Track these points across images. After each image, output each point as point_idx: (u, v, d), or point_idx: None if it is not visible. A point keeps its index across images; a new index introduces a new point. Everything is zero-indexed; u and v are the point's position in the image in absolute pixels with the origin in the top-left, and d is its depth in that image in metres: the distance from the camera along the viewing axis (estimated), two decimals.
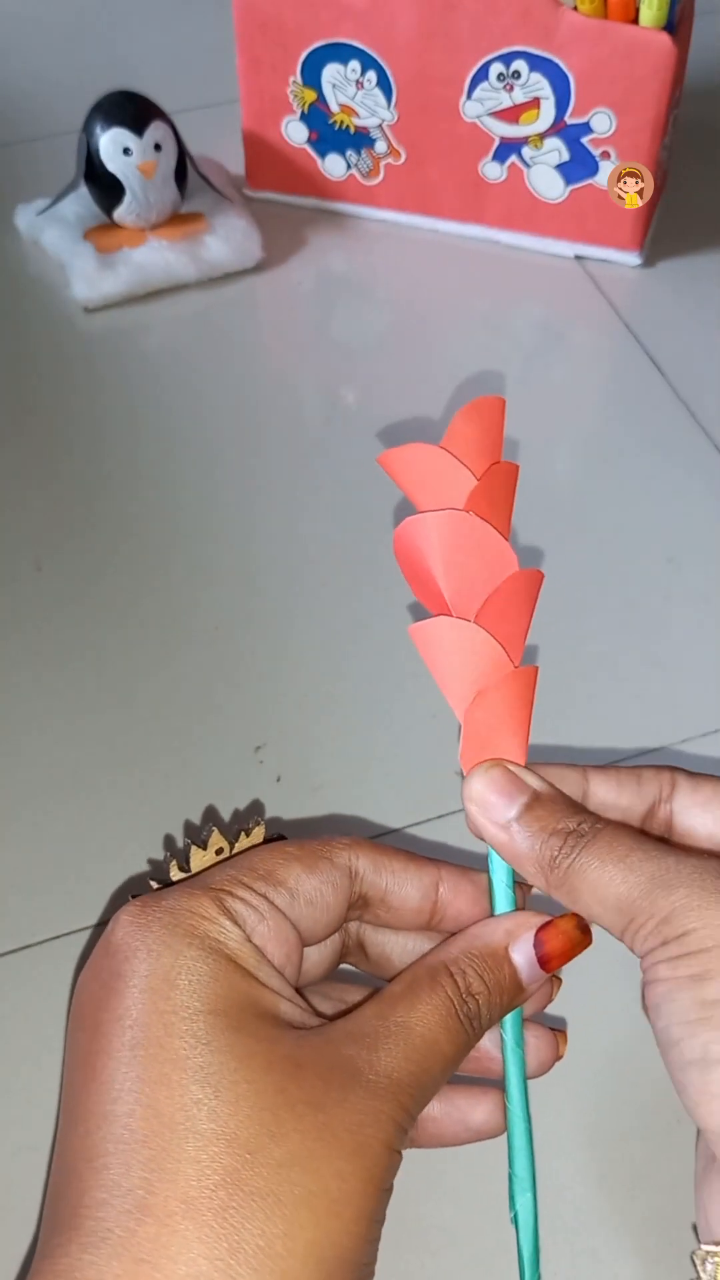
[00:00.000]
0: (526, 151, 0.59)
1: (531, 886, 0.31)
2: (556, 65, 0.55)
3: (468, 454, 0.30)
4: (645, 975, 0.28)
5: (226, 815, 0.42)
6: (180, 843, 0.41)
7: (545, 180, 0.60)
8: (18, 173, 0.67)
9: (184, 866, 0.30)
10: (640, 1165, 0.34)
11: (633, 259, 0.61)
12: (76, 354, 0.58)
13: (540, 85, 0.56)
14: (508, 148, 0.59)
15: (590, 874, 0.28)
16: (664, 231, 0.64)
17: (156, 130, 0.57)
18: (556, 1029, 0.32)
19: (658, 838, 0.30)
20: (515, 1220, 0.30)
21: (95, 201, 0.59)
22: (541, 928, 0.29)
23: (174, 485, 0.52)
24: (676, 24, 0.55)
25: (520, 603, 0.30)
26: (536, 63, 0.56)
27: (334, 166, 0.63)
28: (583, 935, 0.30)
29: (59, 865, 0.40)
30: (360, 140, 0.61)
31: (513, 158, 0.59)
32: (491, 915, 0.31)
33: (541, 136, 0.58)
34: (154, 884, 0.30)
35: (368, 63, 0.58)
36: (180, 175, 0.59)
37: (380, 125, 0.60)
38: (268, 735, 0.44)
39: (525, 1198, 0.30)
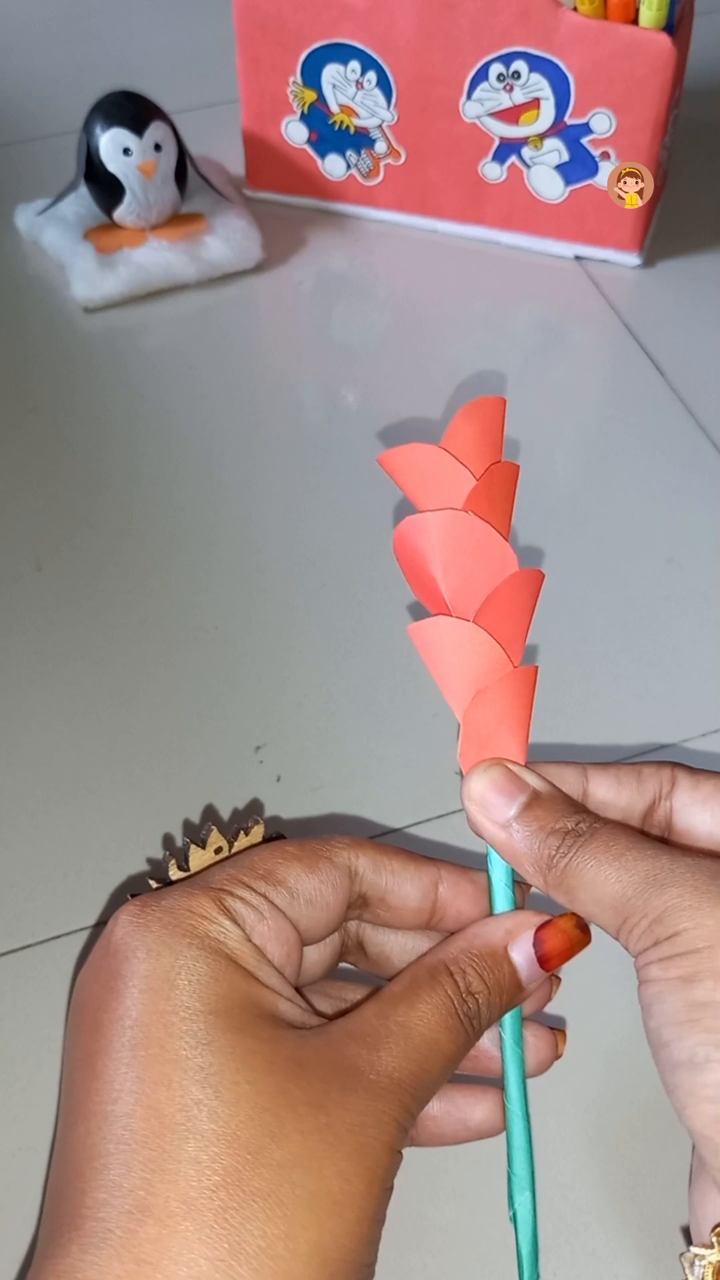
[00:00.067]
0: (526, 152, 0.59)
1: (531, 885, 0.31)
2: (556, 65, 0.55)
3: (467, 454, 0.30)
4: (639, 975, 0.28)
5: (226, 815, 0.42)
6: (179, 842, 0.41)
7: (545, 180, 0.60)
8: (18, 173, 0.67)
9: (183, 866, 0.30)
10: (640, 1165, 0.34)
11: (632, 259, 0.61)
12: (76, 354, 0.58)
13: (540, 85, 0.56)
14: (508, 148, 0.59)
15: (587, 873, 0.28)
16: (664, 231, 0.64)
17: (156, 130, 0.57)
18: (556, 1028, 0.32)
19: (656, 837, 0.30)
20: (514, 1219, 0.30)
21: (95, 201, 0.59)
22: (541, 927, 0.29)
23: (174, 485, 0.52)
24: (676, 24, 0.55)
25: (520, 602, 0.30)
26: (536, 63, 0.56)
27: (334, 166, 0.63)
28: (582, 934, 0.30)
29: (59, 865, 0.40)
30: (360, 140, 0.61)
31: (512, 158, 0.59)
32: (491, 914, 0.31)
33: (541, 137, 0.58)
34: (153, 883, 0.30)
35: (368, 63, 0.58)
36: (180, 175, 0.59)
37: (380, 125, 0.60)
38: (268, 735, 0.44)
39: (524, 1196, 0.30)
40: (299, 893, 0.29)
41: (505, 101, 0.57)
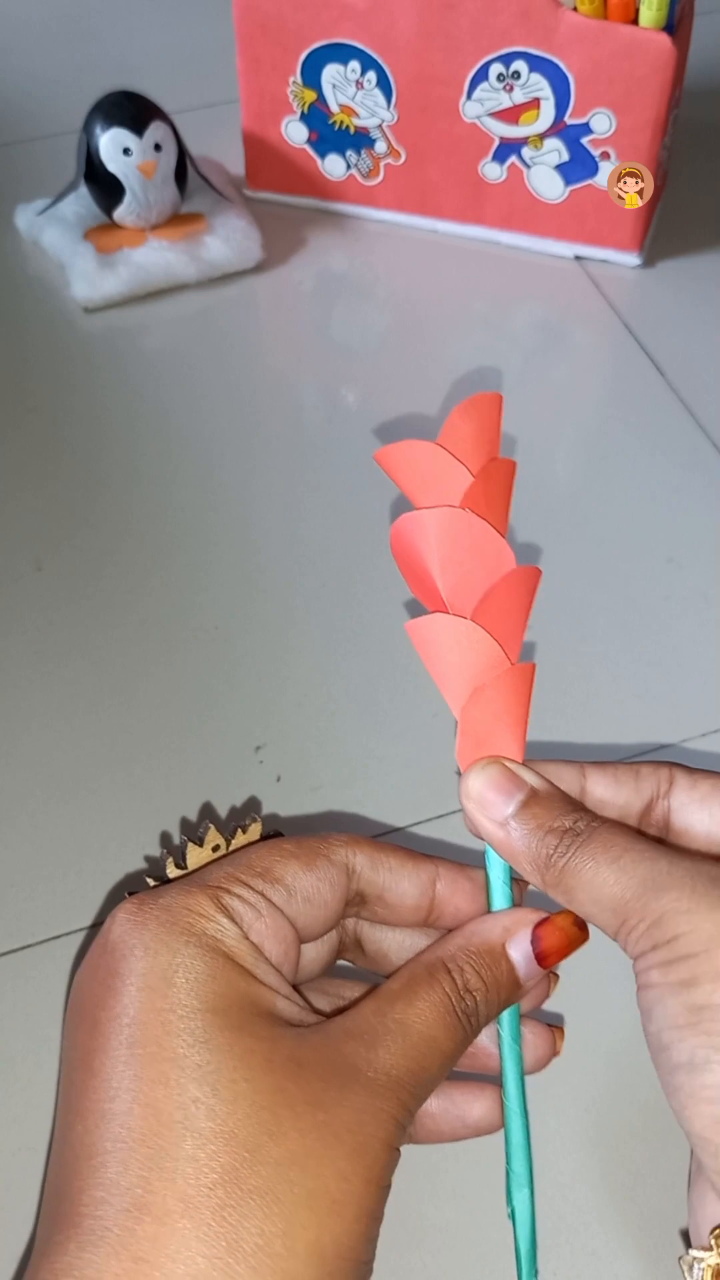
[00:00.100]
0: (526, 152, 0.59)
1: (529, 882, 0.31)
2: (556, 65, 0.55)
3: (464, 450, 0.30)
4: (638, 979, 0.28)
5: (224, 813, 0.42)
6: (177, 840, 0.41)
7: (545, 180, 0.60)
8: (18, 173, 0.67)
9: (181, 864, 0.30)
10: (640, 1165, 0.34)
11: (632, 259, 0.61)
12: (76, 354, 0.58)
13: (540, 85, 0.56)
14: (507, 148, 0.59)
15: (584, 874, 0.28)
16: (664, 231, 0.64)
17: (156, 130, 0.57)
18: (554, 1025, 0.32)
19: (654, 838, 0.30)
20: (513, 1216, 0.30)
21: (95, 201, 0.59)
22: (538, 924, 0.29)
23: (174, 485, 0.52)
24: (676, 24, 0.55)
25: (517, 599, 0.30)
26: (536, 63, 0.56)
27: (334, 166, 0.63)
28: (580, 932, 0.30)
29: (59, 865, 0.40)
30: (360, 140, 0.61)
31: (512, 158, 0.59)
32: (489, 912, 0.31)
33: (541, 137, 0.58)
34: (150, 881, 0.30)
35: (368, 63, 0.58)
36: (180, 175, 0.59)
37: (380, 125, 0.60)
38: (268, 735, 0.44)
39: (523, 1193, 0.30)
40: (296, 890, 0.29)
41: (505, 101, 0.57)
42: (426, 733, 0.44)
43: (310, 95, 0.60)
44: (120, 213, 0.59)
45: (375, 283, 0.63)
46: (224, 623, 0.47)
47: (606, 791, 0.31)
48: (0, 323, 0.60)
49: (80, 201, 0.60)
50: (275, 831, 0.32)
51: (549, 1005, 0.36)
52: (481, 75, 0.57)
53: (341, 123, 0.61)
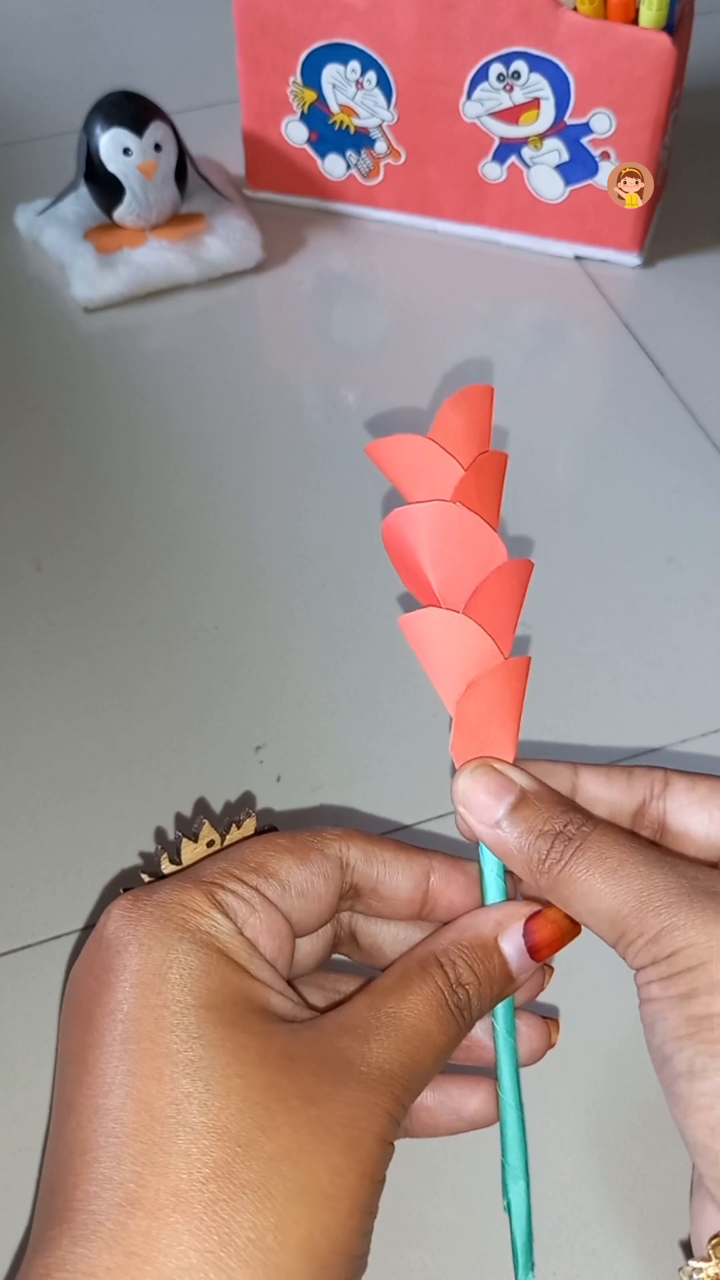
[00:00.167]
0: (526, 152, 0.59)
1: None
2: (556, 65, 0.55)
3: (455, 443, 0.30)
4: (639, 993, 0.28)
5: (220, 810, 0.42)
6: (171, 835, 0.41)
7: (545, 180, 0.60)
8: (18, 173, 0.67)
9: (175, 859, 0.30)
10: (640, 1165, 0.34)
11: (632, 259, 0.61)
12: (76, 354, 0.58)
13: (540, 85, 0.56)
14: (507, 148, 0.59)
15: (580, 885, 0.28)
16: (664, 231, 0.64)
17: (156, 130, 0.57)
18: (549, 1017, 0.32)
19: (649, 841, 0.30)
20: (508, 1208, 0.31)
21: (95, 201, 0.59)
22: (531, 918, 0.29)
23: (174, 485, 0.52)
24: (676, 24, 0.55)
25: (509, 593, 0.30)
26: (536, 63, 0.56)
27: (334, 166, 0.63)
28: (572, 925, 0.30)
29: (59, 865, 0.40)
30: (360, 140, 0.61)
31: (512, 158, 0.59)
32: (483, 905, 0.31)
33: (541, 137, 0.58)
34: (145, 877, 0.30)
35: (368, 63, 0.58)
36: (180, 175, 0.59)
37: (380, 125, 0.60)
38: (268, 735, 0.44)
39: (518, 1186, 0.30)
40: (290, 885, 0.29)
41: (505, 101, 0.57)
42: (426, 732, 0.44)
43: (310, 95, 0.60)
44: (120, 213, 0.59)
45: (375, 283, 0.63)
46: (224, 623, 0.47)
47: (598, 789, 0.31)
48: (0, 323, 0.60)
49: (80, 201, 0.60)
50: (270, 826, 0.32)
51: (548, 1000, 0.36)
52: (481, 75, 0.57)
53: (341, 123, 0.61)
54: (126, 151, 0.57)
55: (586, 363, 0.59)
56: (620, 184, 0.56)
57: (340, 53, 0.58)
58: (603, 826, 0.29)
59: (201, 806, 0.42)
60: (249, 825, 0.31)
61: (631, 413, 0.56)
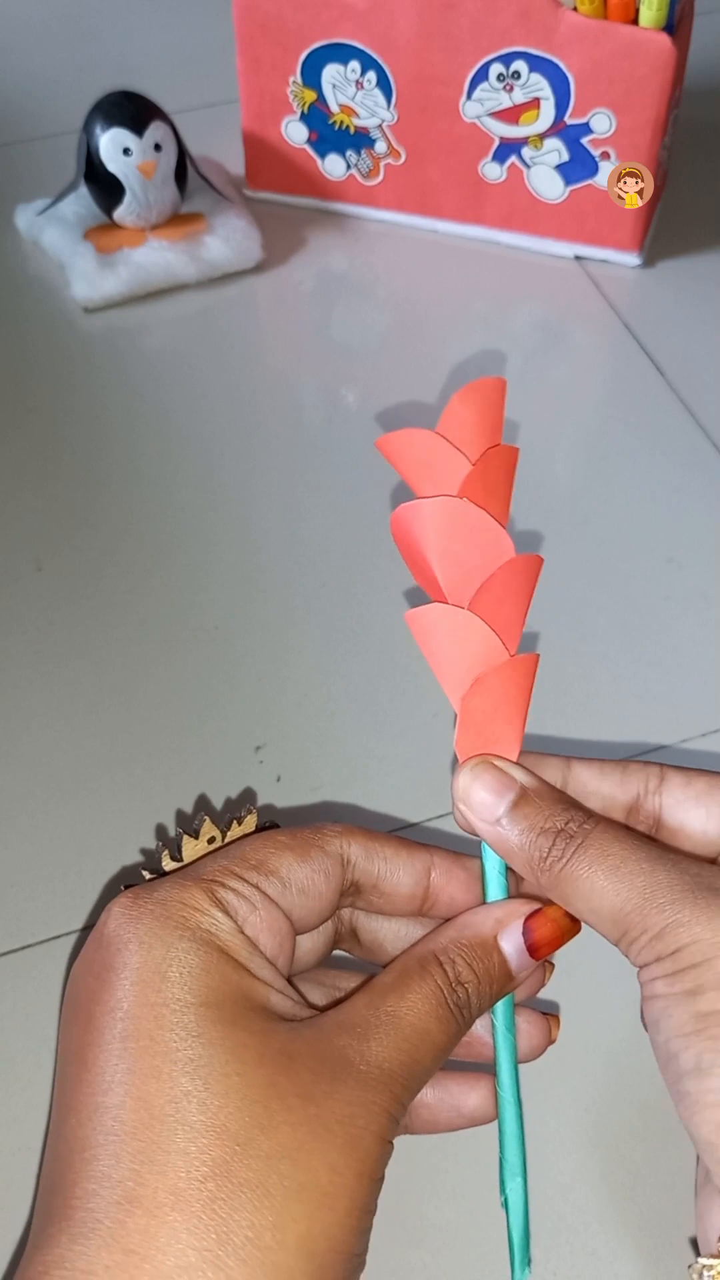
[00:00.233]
0: (526, 152, 0.59)
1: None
2: (556, 65, 0.55)
3: (465, 437, 0.30)
4: (643, 990, 0.28)
5: (221, 807, 0.42)
6: (172, 832, 0.41)
7: (545, 180, 0.60)
8: (18, 173, 0.67)
9: (176, 856, 0.30)
10: (640, 1165, 0.34)
11: (632, 259, 0.61)
12: (76, 354, 0.58)
13: (540, 85, 0.56)
14: (507, 148, 0.59)
15: (582, 884, 0.28)
16: (664, 231, 0.64)
17: (156, 130, 0.57)
18: (549, 1014, 0.32)
19: (649, 837, 0.30)
20: (506, 1204, 0.31)
21: (95, 201, 0.59)
22: (530, 916, 0.29)
23: (174, 485, 0.52)
24: (676, 24, 0.55)
25: (516, 588, 0.30)
26: (536, 63, 0.56)
27: (334, 166, 0.63)
28: (572, 923, 0.30)
29: (59, 865, 0.40)
30: (360, 140, 0.61)
31: (512, 158, 0.59)
32: (484, 902, 0.31)
33: (541, 137, 0.58)
34: (146, 874, 0.30)
35: (368, 63, 0.58)
36: (180, 175, 0.59)
37: (380, 125, 0.60)
38: (268, 735, 0.44)
39: (515, 1182, 0.30)
40: (291, 882, 0.29)
41: (505, 101, 0.57)
42: (426, 732, 0.44)
43: (310, 95, 0.60)
44: (120, 213, 0.59)
45: (375, 283, 0.63)
46: (224, 623, 0.47)
47: (590, 782, 0.31)
48: (0, 323, 0.60)
49: (80, 201, 0.60)
50: (270, 823, 0.32)
51: (549, 997, 0.36)
52: (481, 75, 0.57)
53: (341, 123, 0.61)
54: (126, 151, 0.57)
55: (586, 363, 0.59)
56: (620, 184, 0.56)
57: (340, 53, 0.58)
58: (604, 824, 0.29)
59: (202, 803, 0.42)
60: (250, 822, 0.31)
61: (631, 413, 0.56)
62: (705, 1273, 0.26)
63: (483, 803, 0.30)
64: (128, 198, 0.58)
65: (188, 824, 0.41)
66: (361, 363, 0.59)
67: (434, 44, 0.56)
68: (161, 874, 0.30)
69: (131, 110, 0.57)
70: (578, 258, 0.62)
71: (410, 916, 0.32)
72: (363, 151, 0.62)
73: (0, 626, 0.47)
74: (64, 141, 0.65)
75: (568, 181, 0.59)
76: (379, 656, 0.46)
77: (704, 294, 0.61)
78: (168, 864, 0.30)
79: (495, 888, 0.31)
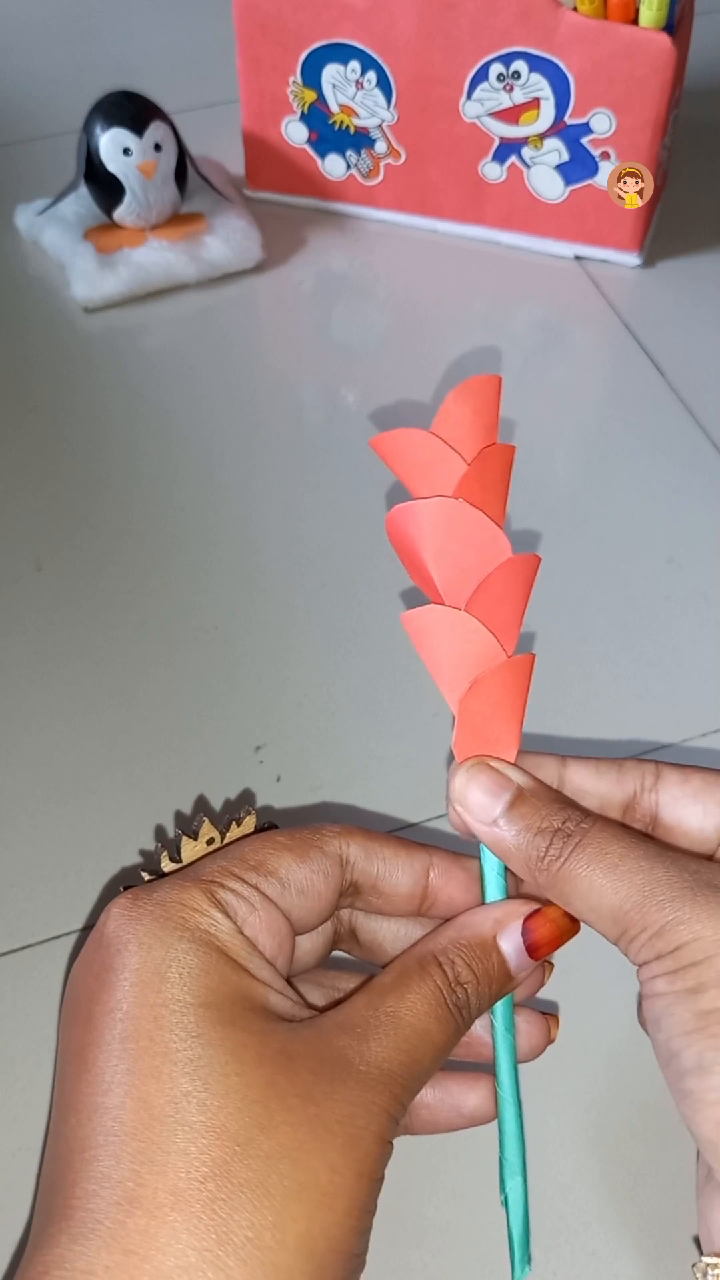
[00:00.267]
0: (526, 152, 0.59)
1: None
2: (556, 65, 0.55)
3: (460, 436, 0.30)
4: (643, 988, 0.28)
5: (220, 808, 0.42)
6: (171, 833, 0.41)
7: (545, 180, 0.60)
8: (18, 173, 0.67)
9: (175, 857, 0.30)
10: (640, 1165, 0.34)
11: (632, 259, 0.61)
12: (76, 354, 0.58)
13: (540, 85, 0.56)
14: (507, 148, 0.59)
15: (580, 883, 0.28)
16: (664, 231, 0.64)
17: (156, 130, 0.57)
18: (548, 1013, 0.32)
19: (647, 835, 0.30)
20: (505, 1203, 0.31)
21: (95, 201, 0.59)
22: (529, 916, 0.29)
23: (174, 485, 0.52)
24: (676, 24, 0.55)
25: (513, 589, 0.30)
26: (536, 63, 0.56)
27: (334, 166, 0.63)
28: (571, 923, 0.30)
29: (59, 865, 0.40)
30: (360, 140, 0.61)
31: (512, 158, 0.59)
32: (483, 902, 0.31)
33: (541, 137, 0.58)
34: (145, 875, 0.30)
35: (368, 63, 0.58)
36: (180, 175, 0.59)
37: (380, 125, 0.60)
38: (268, 735, 0.44)
39: (515, 1181, 0.30)
40: (290, 883, 0.29)
41: (505, 101, 0.57)
42: (426, 732, 0.44)
43: (310, 95, 0.60)
44: (120, 213, 0.59)
45: (375, 283, 0.63)
46: (224, 623, 0.47)
47: (586, 782, 0.31)
48: (0, 323, 0.60)
49: (80, 201, 0.60)
50: (269, 824, 0.32)
51: (549, 997, 0.36)
52: (481, 75, 0.57)
53: (341, 123, 0.61)
54: (126, 151, 0.57)
55: (586, 363, 0.59)
56: (620, 184, 0.56)
57: (340, 53, 0.58)
58: (601, 822, 0.29)
59: (201, 804, 0.42)
60: (249, 823, 0.31)
61: (631, 413, 0.56)
62: (709, 1272, 0.26)
63: (479, 804, 0.30)
64: (128, 198, 0.58)
65: (186, 825, 0.41)
66: (361, 363, 0.59)
67: (434, 44, 0.56)
68: (160, 875, 0.30)
69: (131, 110, 0.57)
70: (578, 258, 0.62)
71: (409, 917, 0.32)
72: (363, 151, 0.62)
73: (0, 626, 0.47)
74: (64, 141, 0.65)
75: (568, 181, 0.59)
76: (379, 656, 0.46)
77: (704, 294, 0.61)
78: (166, 865, 0.30)
79: (494, 888, 0.31)
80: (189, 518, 0.51)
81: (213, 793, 0.42)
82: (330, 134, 0.61)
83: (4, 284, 0.61)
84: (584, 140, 0.58)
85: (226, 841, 0.31)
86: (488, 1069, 0.31)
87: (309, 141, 0.62)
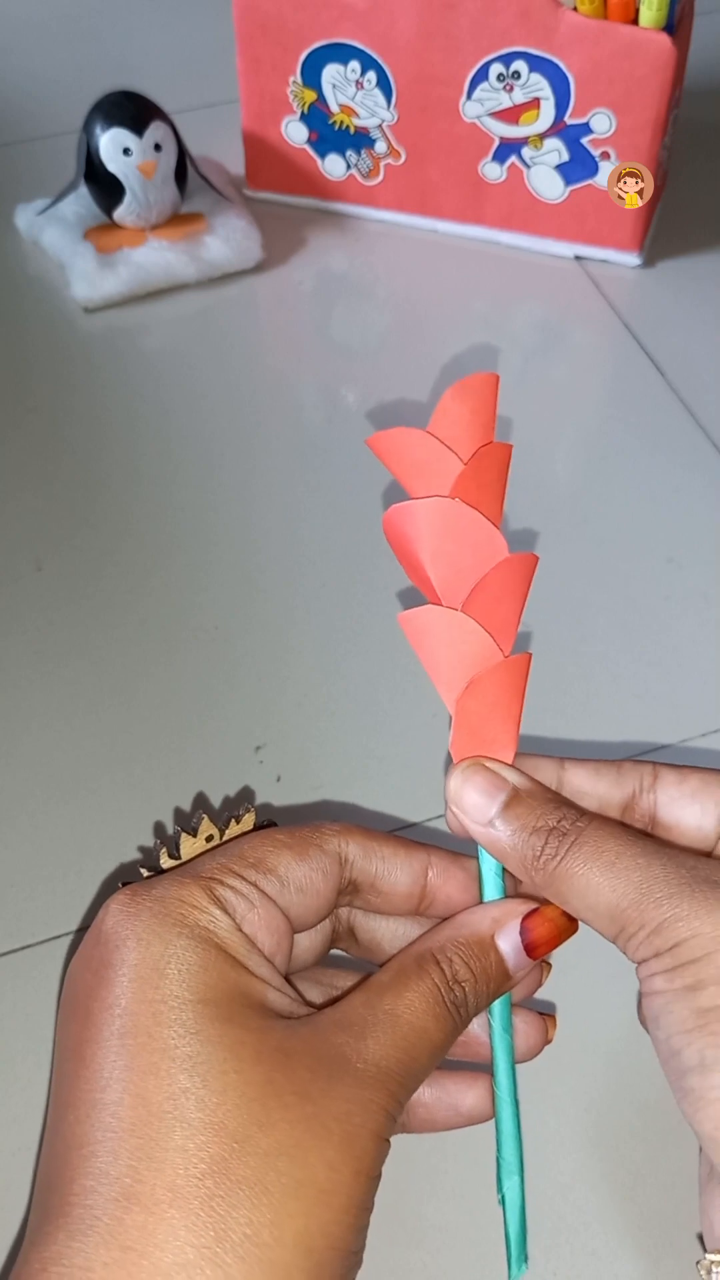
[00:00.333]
0: (526, 152, 0.59)
1: None
2: (556, 65, 0.55)
3: (456, 435, 0.30)
4: (642, 986, 0.28)
5: (219, 805, 0.42)
6: (170, 830, 0.41)
7: (545, 180, 0.60)
8: (18, 173, 0.67)
9: (174, 854, 0.30)
10: (640, 1165, 0.34)
11: (632, 259, 0.61)
12: (76, 354, 0.58)
13: (540, 85, 0.56)
14: (507, 148, 0.59)
15: (577, 881, 0.28)
16: (664, 231, 0.64)
17: (156, 130, 0.57)
18: (546, 1014, 0.32)
19: (644, 833, 0.30)
20: (503, 1202, 0.31)
21: (95, 201, 0.59)
22: (528, 915, 0.29)
23: (174, 485, 0.52)
24: (676, 24, 0.55)
25: (510, 589, 0.30)
26: (536, 63, 0.56)
27: (334, 166, 0.63)
28: (569, 923, 0.30)
29: (59, 865, 0.40)
30: (360, 140, 0.61)
31: (512, 158, 0.59)
32: (481, 902, 0.31)
33: (541, 137, 0.58)
34: (144, 871, 0.30)
35: (368, 63, 0.58)
36: (180, 175, 0.59)
37: (380, 125, 0.60)
38: (268, 735, 0.44)
39: (512, 1180, 0.30)
40: (289, 881, 0.29)
41: (505, 101, 0.57)
42: (426, 732, 0.44)
43: (310, 95, 0.60)
44: (120, 213, 0.59)
45: (375, 283, 0.63)
46: (224, 623, 0.47)
47: (584, 783, 0.31)
48: (0, 323, 0.60)
49: (80, 201, 0.60)
50: (269, 821, 0.32)
51: (548, 997, 0.36)
52: (481, 75, 0.57)
53: (341, 123, 0.61)
54: (126, 151, 0.57)
55: (586, 363, 0.59)
56: (620, 184, 0.56)
57: (340, 53, 0.58)
58: (597, 820, 0.29)
59: (200, 801, 0.42)
60: (248, 820, 0.31)
61: (631, 413, 0.56)
62: (714, 1269, 0.26)
63: (475, 805, 0.30)
64: (128, 198, 0.58)
65: (186, 821, 0.41)
66: (361, 363, 0.59)
67: (434, 44, 0.56)
68: (159, 871, 0.30)
69: (131, 110, 0.57)
70: (578, 258, 0.62)
71: (408, 916, 0.32)
72: (363, 151, 0.62)
73: (0, 626, 0.47)
74: (64, 141, 0.65)
75: (568, 181, 0.59)
76: (379, 656, 0.46)
77: (704, 294, 0.61)
78: (166, 861, 0.30)
79: (492, 889, 0.31)
80: (189, 518, 0.51)
81: (213, 792, 0.42)
82: (330, 134, 0.61)
83: (4, 284, 0.61)
84: (584, 140, 0.58)
85: (226, 838, 0.31)
86: (485, 1068, 0.31)
87: (309, 141, 0.62)
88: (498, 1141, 0.31)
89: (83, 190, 0.60)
